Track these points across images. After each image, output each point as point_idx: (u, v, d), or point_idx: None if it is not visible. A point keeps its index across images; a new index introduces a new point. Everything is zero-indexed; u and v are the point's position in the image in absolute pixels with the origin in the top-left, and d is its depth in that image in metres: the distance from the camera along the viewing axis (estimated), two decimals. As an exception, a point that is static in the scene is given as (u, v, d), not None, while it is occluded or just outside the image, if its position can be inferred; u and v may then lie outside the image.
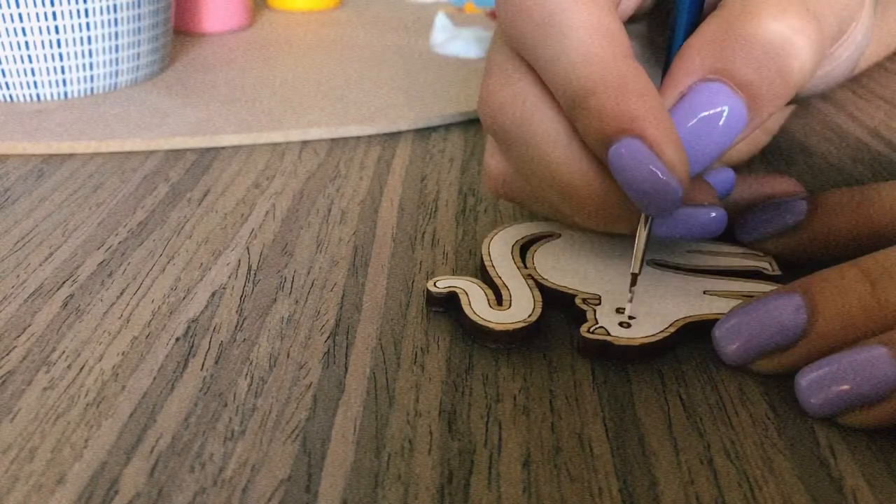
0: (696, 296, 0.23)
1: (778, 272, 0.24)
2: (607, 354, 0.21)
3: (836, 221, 0.24)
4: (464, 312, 0.22)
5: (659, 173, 0.18)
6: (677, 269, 0.24)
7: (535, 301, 0.22)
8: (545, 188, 0.21)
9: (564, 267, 0.24)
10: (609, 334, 0.21)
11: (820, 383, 0.19)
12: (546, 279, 0.23)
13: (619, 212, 0.20)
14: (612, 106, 0.18)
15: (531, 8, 0.20)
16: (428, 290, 0.23)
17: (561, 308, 0.23)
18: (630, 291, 0.22)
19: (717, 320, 0.21)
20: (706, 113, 0.20)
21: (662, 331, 0.21)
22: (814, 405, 0.19)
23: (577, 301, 0.22)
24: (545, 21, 0.19)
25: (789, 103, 0.26)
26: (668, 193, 0.19)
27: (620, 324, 0.21)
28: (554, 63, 0.20)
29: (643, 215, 0.20)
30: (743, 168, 0.32)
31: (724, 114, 0.20)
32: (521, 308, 0.22)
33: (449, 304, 0.23)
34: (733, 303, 0.22)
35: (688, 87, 0.20)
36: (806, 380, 0.19)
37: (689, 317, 0.22)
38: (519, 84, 0.21)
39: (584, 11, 0.19)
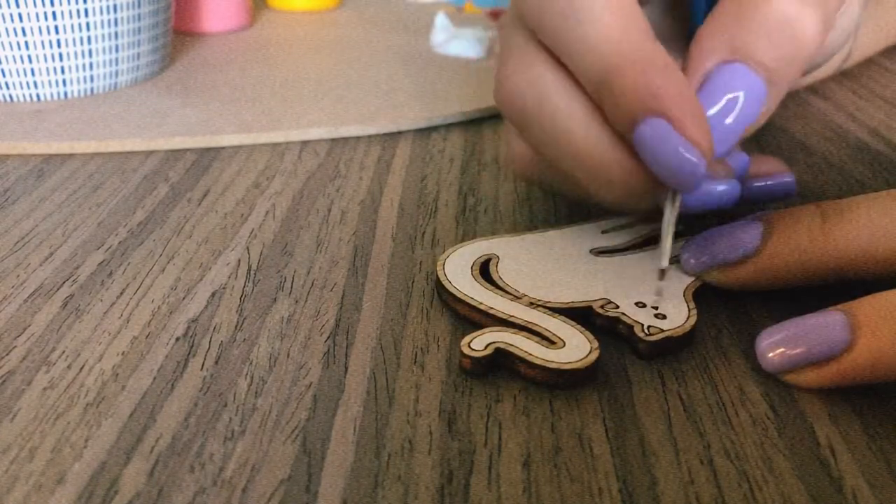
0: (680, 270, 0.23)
1: None
2: (668, 349, 0.21)
3: (791, 251, 0.21)
4: (530, 363, 0.20)
5: (684, 151, 0.19)
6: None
7: (571, 325, 0.21)
8: (569, 168, 0.22)
9: (543, 282, 0.23)
10: (663, 330, 0.21)
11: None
12: (550, 301, 0.22)
13: (643, 187, 0.21)
14: (636, 85, 0.19)
15: None
16: (464, 355, 0.20)
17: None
18: (659, 279, 0.22)
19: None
20: (730, 94, 0.20)
21: (689, 308, 0.22)
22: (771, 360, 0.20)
23: (598, 310, 0.22)
24: (568, 7, 0.20)
25: None
26: (692, 170, 0.19)
27: (656, 316, 0.21)
28: (578, 47, 0.20)
29: (670, 192, 0.21)
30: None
31: (746, 93, 0.20)
32: (573, 335, 0.21)
33: (491, 365, 0.20)
34: None
35: (709, 69, 0.20)
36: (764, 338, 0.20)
37: (691, 284, 0.23)
38: (537, 68, 0.21)
39: None
